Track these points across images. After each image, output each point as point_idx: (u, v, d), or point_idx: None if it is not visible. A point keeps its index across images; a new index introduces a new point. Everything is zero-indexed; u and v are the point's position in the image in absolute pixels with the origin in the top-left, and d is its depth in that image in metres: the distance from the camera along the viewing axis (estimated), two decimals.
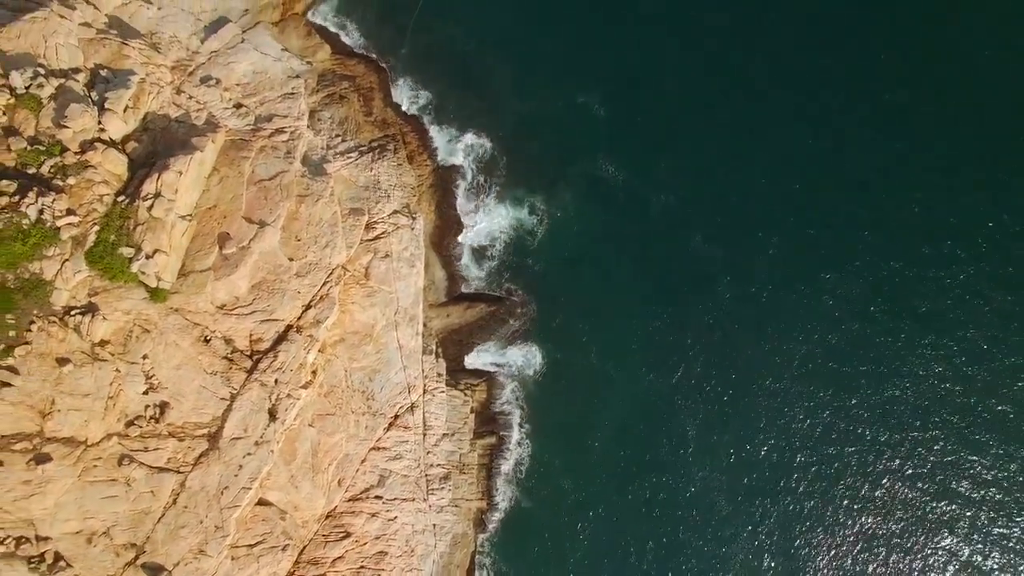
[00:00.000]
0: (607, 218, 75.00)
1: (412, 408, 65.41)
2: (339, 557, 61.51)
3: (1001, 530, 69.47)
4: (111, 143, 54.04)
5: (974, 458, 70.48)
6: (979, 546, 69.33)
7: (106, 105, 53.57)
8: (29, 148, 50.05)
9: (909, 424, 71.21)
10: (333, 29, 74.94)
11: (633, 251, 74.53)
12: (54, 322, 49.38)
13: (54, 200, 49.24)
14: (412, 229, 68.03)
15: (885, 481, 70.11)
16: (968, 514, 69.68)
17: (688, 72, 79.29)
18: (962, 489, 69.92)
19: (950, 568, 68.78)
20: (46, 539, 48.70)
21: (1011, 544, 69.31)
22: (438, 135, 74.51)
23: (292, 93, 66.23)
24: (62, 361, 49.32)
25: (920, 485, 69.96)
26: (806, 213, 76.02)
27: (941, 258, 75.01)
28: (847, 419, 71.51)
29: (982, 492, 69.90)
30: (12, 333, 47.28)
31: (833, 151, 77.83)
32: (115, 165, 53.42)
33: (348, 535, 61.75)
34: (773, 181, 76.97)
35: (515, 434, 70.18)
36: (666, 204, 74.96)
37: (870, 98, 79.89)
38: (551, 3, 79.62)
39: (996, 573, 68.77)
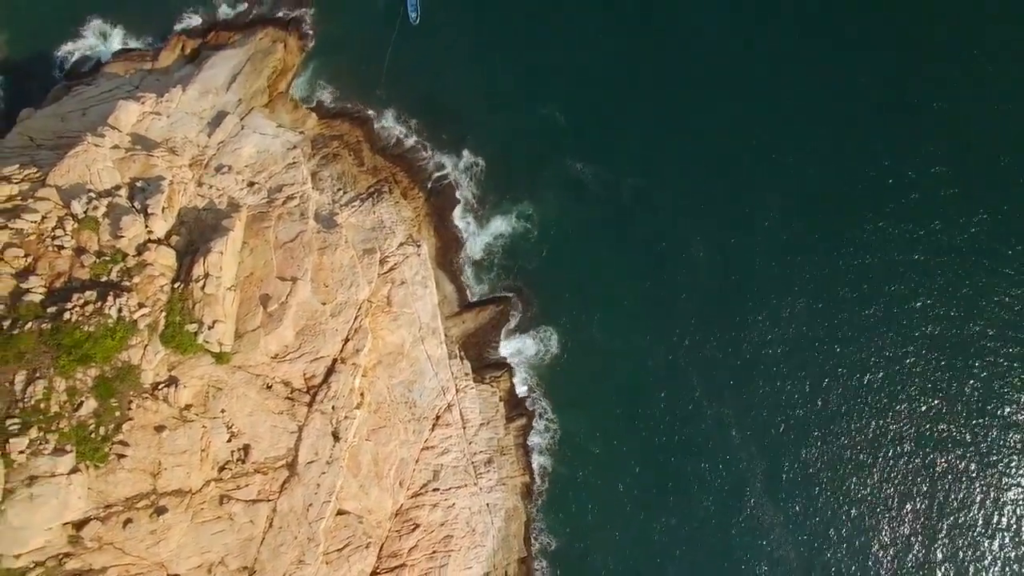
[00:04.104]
0: (587, 209, 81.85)
1: (449, 407, 71.52)
2: (413, 547, 67.50)
3: None
4: (159, 241, 60.47)
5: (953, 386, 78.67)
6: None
7: (148, 210, 59.90)
8: (98, 261, 56.59)
9: (893, 357, 79.21)
10: (315, 97, 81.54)
11: (614, 233, 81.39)
12: (147, 397, 55.56)
13: (127, 298, 55.59)
14: (419, 255, 73.93)
15: (871, 407, 78.31)
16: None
17: (627, 70, 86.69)
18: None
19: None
20: None
21: None
22: (424, 168, 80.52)
23: (293, 163, 71.87)
24: (159, 428, 55.43)
25: (897, 416, 78.24)
26: (757, 174, 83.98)
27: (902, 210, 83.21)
28: (822, 351, 79.67)
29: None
30: (117, 413, 53.78)
31: (771, 117, 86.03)
32: (166, 258, 59.73)
33: (417, 526, 67.96)
34: (722, 150, 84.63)
35: (542, 412, 76.68)
36: (634, 186, 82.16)
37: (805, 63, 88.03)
38: (499, 34, 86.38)
39: None
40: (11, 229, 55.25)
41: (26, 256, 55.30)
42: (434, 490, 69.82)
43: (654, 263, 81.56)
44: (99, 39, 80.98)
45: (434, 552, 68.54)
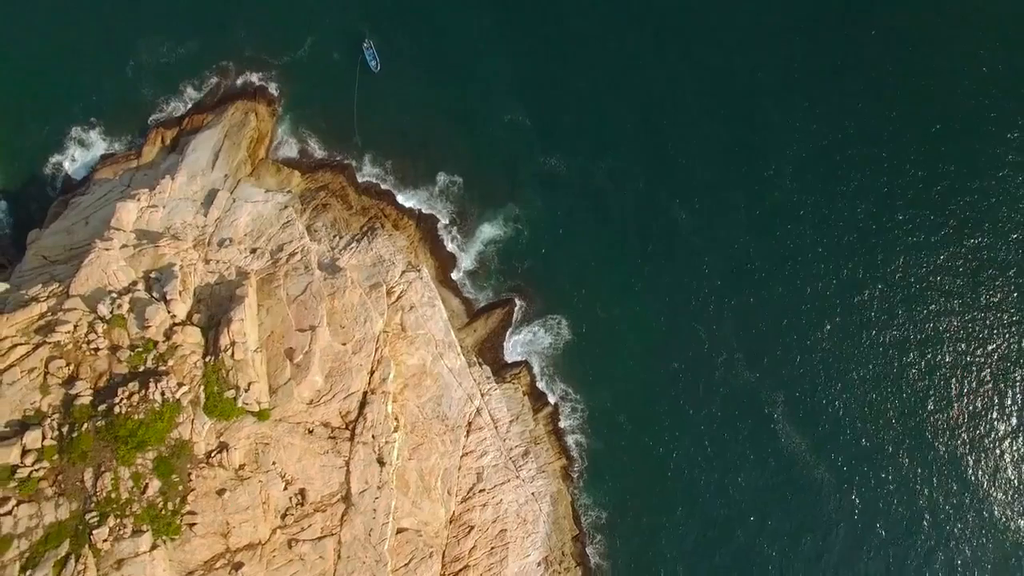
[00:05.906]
0: (568, 198, 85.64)
1: (478, 412, 75.56)
2: (472, 547, 72.03)
3: None
4: (183, 322, 64.14)
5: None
6: None
7: (167, 297, 63.48)
8: (132, 354, 60.53)
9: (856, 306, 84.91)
10: (293, 156, 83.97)
11: (598, 214, 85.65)
12: (204, 466, 59.59)
13: (166, 381, 59.37)
14: (421, 279, 77.59)
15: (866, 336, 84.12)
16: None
17: (577, 63, 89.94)
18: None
19: None
20: None
21: None
22: (408, 198, 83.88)
23: (288, 221, 74.88)
24: (221, 492, 59.37)
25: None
26: (719, 134, 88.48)
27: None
28: (791, 285, 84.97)
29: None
30: (180, 487, 58.10)
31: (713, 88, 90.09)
32: (193, 337, 63.45)
33: (472, 528, 72.39)
34: (684, 118, 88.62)
35: (565, 395, 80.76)
36: (607, 167, 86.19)
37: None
38: (453, 63, 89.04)
39: None
40: (50, 343, 59.36)
41: (68, 365, 59.39)
42: (481, 491, 74.02)
43: (641, 233, 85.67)
44: (81, 148, 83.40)
45: (492, 548, 72.95)
